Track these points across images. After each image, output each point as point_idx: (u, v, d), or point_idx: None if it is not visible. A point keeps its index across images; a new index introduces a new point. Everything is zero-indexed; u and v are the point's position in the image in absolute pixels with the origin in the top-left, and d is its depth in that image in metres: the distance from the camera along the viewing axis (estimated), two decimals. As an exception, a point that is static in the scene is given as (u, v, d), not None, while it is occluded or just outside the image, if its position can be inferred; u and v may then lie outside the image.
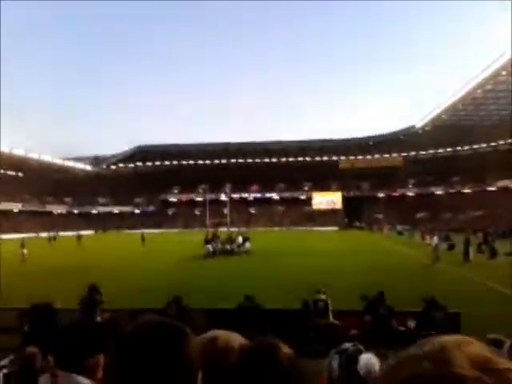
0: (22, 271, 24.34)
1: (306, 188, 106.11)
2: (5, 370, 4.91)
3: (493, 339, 2.73)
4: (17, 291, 16.19)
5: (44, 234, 72.33)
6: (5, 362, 5.81)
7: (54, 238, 55.00)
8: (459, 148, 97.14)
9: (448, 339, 0.55)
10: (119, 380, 1.02)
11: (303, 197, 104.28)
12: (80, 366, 1.78)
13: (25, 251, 30.10)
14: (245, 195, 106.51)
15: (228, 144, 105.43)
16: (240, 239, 33.93)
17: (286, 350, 1.27)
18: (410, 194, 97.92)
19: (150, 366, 0.99)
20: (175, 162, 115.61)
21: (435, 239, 27.59)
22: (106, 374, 1.86)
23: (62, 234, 72.56)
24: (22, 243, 31.02)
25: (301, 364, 1.28)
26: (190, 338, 1.09)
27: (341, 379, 1.84)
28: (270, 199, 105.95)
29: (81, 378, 1.70)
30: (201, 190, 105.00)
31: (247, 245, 33.10)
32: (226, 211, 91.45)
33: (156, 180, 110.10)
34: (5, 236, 66.34)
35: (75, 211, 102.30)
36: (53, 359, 1.88)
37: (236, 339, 1.47)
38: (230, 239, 34.53)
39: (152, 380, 0.99)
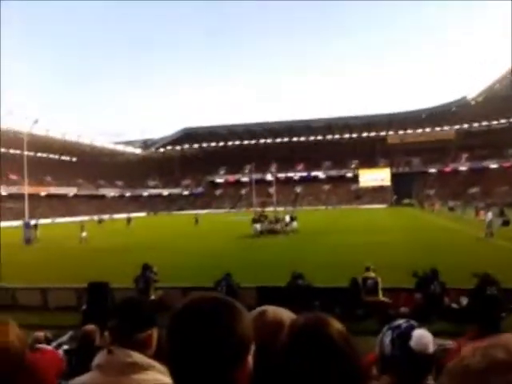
0: (82, 253, 25.43)
1: (353, 165, 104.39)
2: (65, 346, 5.20)
3: None
4: (76, 272, 16.96)
5: (97, 217, 75.21)
6: (65, 338, 6.16)
7: (101, 221, 57.16)
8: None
9: None
10: (172, 354, 1.04)
11: (350, 174, 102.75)
12: (133, 341, 1.84)
13: (84, 234, 31.03)
14: (290, 174, 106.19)
15: (273, 123, 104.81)
16: (287, 218, 33.89)
17: (337, 324, 1.28)
18: (463, 168, 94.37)
19: (203, 340, 1.00)
20: (221, 143, 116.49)
21: (489, 215, 26.62)
22: (159, 349, 1.93)
23: (115, 216, 75.19)
24: (82, 226, 31.95)
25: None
26: (242, 312, 1.10)
27: (393, 355, 1.82)
28: (316, 178, 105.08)
29: (135, 354, 1.75)
30: (247, 171, 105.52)
31: (294, 224, 32.98)
32: (271, 191, 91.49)
33: (203, 161, 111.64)
34: (61, 219, 69.38)
35: (127, 194, 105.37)
36: (109, 335, 1.96)
37: (285, 313, 1.49)
38: (277, 219, 34.62)
39: (205, 354, 1.00)
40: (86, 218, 67.74)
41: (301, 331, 1.25)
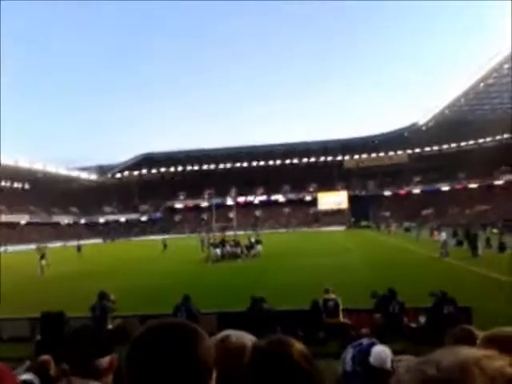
0: (36, 282, 24.45)
1: (312, 189, 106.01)
2: (23, 377, 4.94)
3: None
4: (30, 301, 16.27)
5: (52, 245, 72.37)
6: (20, 370, 5.85)
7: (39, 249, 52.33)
8: (464, 143, 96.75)
9: (468, 354, 0.51)
10: (132, 382, 1.01)
11: (309, 198, 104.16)
12: (92, 369, 1.78)
13: (43, 262, 28.97)
14: (250, 198, 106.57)
15: (231, 148, 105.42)
16: (252, 240, 33.58)
17: (299, 346, 1.27)
18: (416, 191, 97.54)
19: (164, 366, 0.97)
20: (180, 168, 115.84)
21: (443, 235, 27.49)
22: (117, 376, 1.87)
23: (69, 243, 72.96)
24: (42, 254, 29.97)
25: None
26: (203, 337, 1.07)
27: (353, 371, 1.84)
28: (276, 201, 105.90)
29: (93, 383, 1.70)
30: (206, 195, 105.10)
31: (258, 247, 32.63)
32: (232, 215, 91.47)
33: (161, 187, 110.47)
34: (12, 248, 66.63)
35: (82, 221, 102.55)
36: (67, 366, 1.89)
37: (247, 338, 1.48)
38: (236, 242, 34.18)
39: (166, 381, 0.97)
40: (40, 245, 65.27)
41: (263, 353, 1.24)
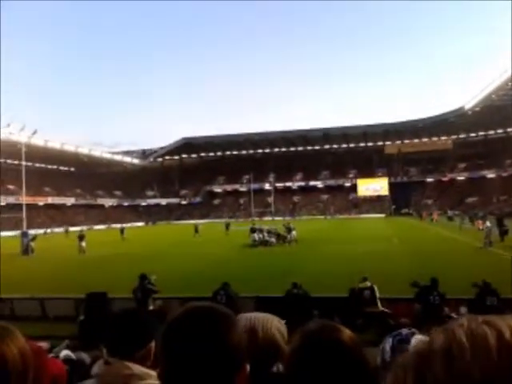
0: (80, 263, 25.35)
1: (351, 175, 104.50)
2: (63, 353, 5.14)
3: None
4: (74, 282, 16.88)
5: (97, 227, 75.05)
6: (58, 348, 6.08)
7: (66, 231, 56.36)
8: (511, 129, 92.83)
9: (455, 322, 0.53)
10: (167, 363, 1.03)
11: (348, 184, 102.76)
12: (132, 355, 1.80)
13: (83, 244, 30.64)
14: (289, 184, 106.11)
15: (271, 133, 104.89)
16: (288, 227, 33.42)
17: (348, 331, 1.27)
18: (461, 178, 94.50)
19: (194, 348, 0.99)
20: (219, 153, 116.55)
21: (488, 224, 26.67)
22: (155, 360, 1.90)
23: (113, 225, 75.22)
24: (80, 236, 31.57)
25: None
26: (235, 324, 1.09)
27: (393, 361, 1.83)
28: (314, 187, 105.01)
29: (133, 365, 1.72)
30: (245, 180, 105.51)
31: (293, 233, 32.60)
32: (270, 200, 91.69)
33: (201, 171, 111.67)
34: (58, 229, 69.11)
35: (125, 204, 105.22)
36: (106, 348, 1.91)
37: (275, 324, 1.49)
38: (269, 230, 33.83)
39: (198, 364, 0.99)
40: (84, 227, 67.42)
41: (314, 339, 1.22)
